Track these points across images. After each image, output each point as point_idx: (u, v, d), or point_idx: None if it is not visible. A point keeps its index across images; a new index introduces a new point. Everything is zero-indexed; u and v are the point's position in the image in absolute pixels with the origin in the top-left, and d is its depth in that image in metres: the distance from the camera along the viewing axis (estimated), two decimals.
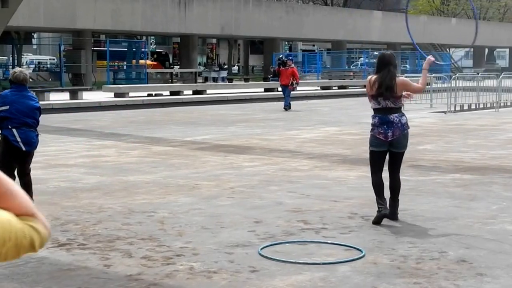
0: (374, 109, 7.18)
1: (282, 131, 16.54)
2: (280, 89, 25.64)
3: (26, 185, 7.50)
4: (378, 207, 7.06)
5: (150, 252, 5.99)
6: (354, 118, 19.87)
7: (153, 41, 61.11)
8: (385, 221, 7.10)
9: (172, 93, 28.97)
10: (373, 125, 7.18)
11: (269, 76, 40.51)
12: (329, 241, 6.40)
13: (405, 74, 31.00)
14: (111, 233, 6.62)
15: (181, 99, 27.95)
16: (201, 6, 40.38)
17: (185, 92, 29.69)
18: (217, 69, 44.38)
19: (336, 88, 37.06)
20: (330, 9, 54.40)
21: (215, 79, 41.44)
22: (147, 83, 33.69)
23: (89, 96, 26.50)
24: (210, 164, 11.25)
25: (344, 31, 49.28)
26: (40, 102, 8.08)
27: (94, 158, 11.96)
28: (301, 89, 33.76)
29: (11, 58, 46.52)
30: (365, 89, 7.84)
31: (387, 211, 7.08)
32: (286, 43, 62.05)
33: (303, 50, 60.42)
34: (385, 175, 7.33)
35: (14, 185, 1.63)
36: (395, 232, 6.79)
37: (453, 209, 7.86)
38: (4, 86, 26.55)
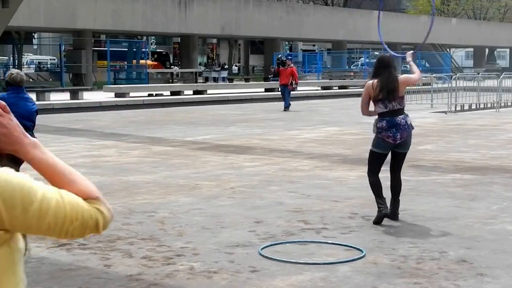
0: (381, 113, 7.17)
1: (282, 131, 16.54)
2: (279, 89, 25.61)
3: None
4: (379, 207, 7.07)
5: (151, 252, 5.99)
6: (355, 118, 19.86)
7: (153, 41, 61.11)
8: (385, 221, 7.10)
9: (172, 93, 28.99)
10: (380, 128, 7.14)
11: (269, 76, 40.51)
12: (329, 241, 6.40)
13: (405, 75, 30.89)
14: (111, 233, 6.61)
15: (181, 99, 27.97)
16: (201, 6, 40.38)
17: (186, 92, 29.72)
18: (218, 69, 44.39)
19: (337, 88, 37.08)
20: (330, 9, 54.39)
21: (215, 79, 41.46)
22: (148, 83, 33.71)
23: (89, 96, 26.51)
24: (211, 164, 11.25)
25: (345, 31, 49.27)
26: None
27: (94, 158, 11.96)
28: (301, 89, 33.79)
29: (11, 58, 46.56)
30: None
31: (388, 211, 7.09)
32: (287, 43, 62.03)
33: (304, 50, 60.46)
34: (384, 175, 7.33)
35: (75, 171, 1.73)
36: (396, 232, 6.79)
37: (454, 209, 7.86)
38: (4, 86, 26.52)
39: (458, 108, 24.20)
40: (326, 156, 12.26)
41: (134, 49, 39.78)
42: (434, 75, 32.50)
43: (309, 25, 46.95)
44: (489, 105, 25.37)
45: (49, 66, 48.11)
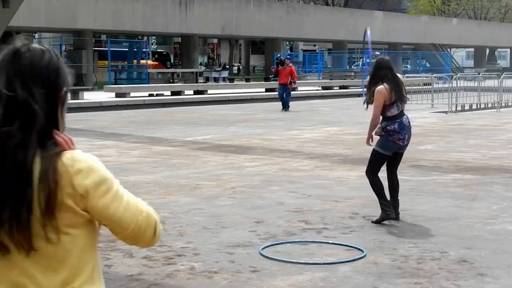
0: (393, 116, 7.13)
1: (283, 131, 16.54)
2: (277, 88, 25.53)
3: None
4: (386, 210, 7.02)
5: (151, 252, 5.99)
6: (355, 118, 19.85)
7: (154, 41, 61.10)
8: (386, 221, 7.10)
9: (173, 93, 28.98)
10: (392, 131, 7.09)
11: (270, 76, 40.49)
12: (330, 241, 6.40)
13: (406, 74, 30.99)
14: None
15: (182, 99, 27.96)
16: (201, 6, 40.37)
17: (186, 92, 29.71)
18: (219, 69, 44.38)
19: (337, 88, 37.08)
20: (331, 9, 54.38)
21: (216, 79, 41.45)
22: (148, 83, 33.70)
23: (90, 96, 26.51)
24: (211, 164, 11.25)
25: (345, 31, 49.24)
26: None
27: None
28: (302, 89, 33.82)
29: None
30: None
31: (394, 215, 7.11)
32: (287, 43, 62.03)
33: (304, 50, 60.44)
34: (380, 175, 7.31)
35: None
36: (396, 232, 6.79)
37: (454, 209, 7.86)
38: None
39: (459, 108, 24.20)
40: (326, 156, 12.26)
41: (135, 49, 39.76)
42: (434, 75, 32.48)
43: (310, 25, 46.94)
44: (489, 105, 25.36)
45: None
